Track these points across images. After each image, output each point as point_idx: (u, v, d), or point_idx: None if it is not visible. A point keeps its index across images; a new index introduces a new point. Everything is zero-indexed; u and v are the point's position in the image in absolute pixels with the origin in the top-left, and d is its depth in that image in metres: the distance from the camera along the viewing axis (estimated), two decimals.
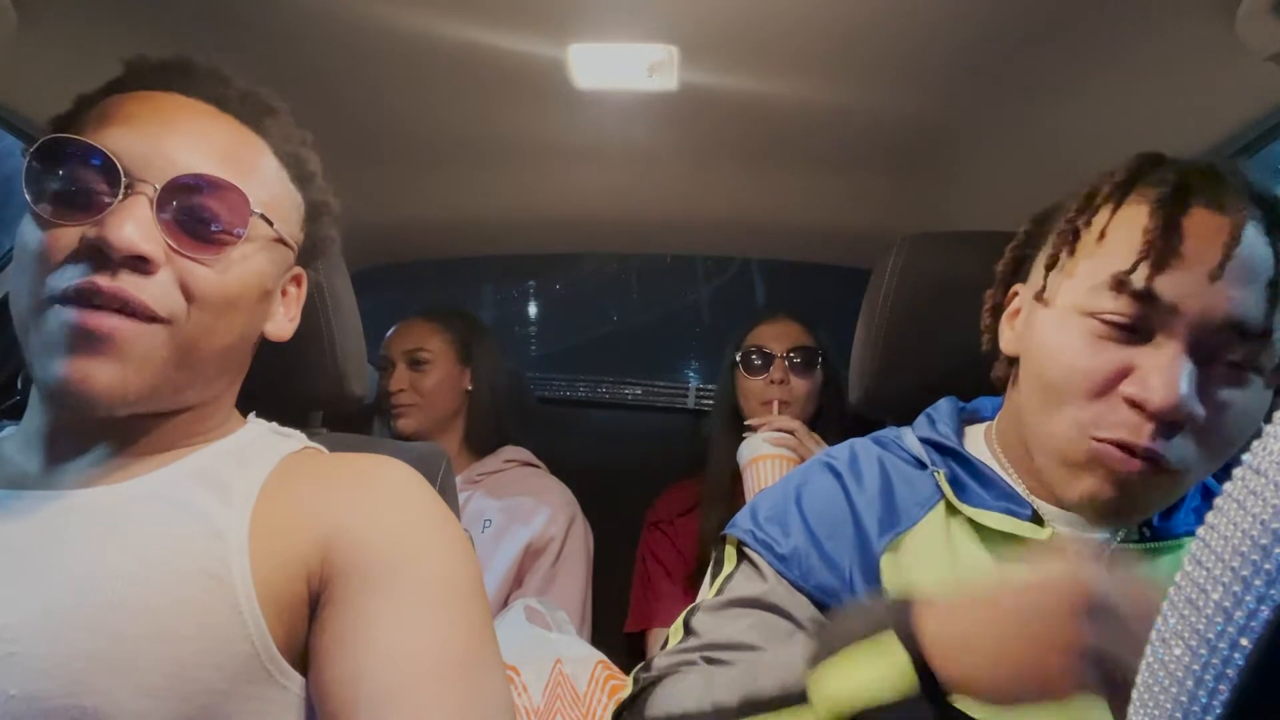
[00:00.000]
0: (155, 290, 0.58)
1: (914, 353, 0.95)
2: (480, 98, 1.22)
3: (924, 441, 0.80)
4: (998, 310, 0.78)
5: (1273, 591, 0.23)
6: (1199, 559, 0.25)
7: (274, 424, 0.75)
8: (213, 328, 0.61)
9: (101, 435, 0.63)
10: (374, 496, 0.64)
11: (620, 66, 1.12)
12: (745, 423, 1.50)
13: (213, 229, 0.60)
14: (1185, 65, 0.95)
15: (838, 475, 0.79)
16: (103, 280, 0.56)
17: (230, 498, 0.61)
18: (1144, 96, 1.03)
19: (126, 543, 0.57)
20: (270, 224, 0.65)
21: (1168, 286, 0.60)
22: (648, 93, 1.18)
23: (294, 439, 0.73)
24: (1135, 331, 0.62)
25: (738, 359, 1.59)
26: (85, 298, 0.56)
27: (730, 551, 0.79)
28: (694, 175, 1.49)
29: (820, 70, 1.11)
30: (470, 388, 1.64)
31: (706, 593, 0.77)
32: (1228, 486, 0.25)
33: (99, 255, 0.56)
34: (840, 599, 0.71)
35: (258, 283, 0.65)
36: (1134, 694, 0.28)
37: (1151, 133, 1.07)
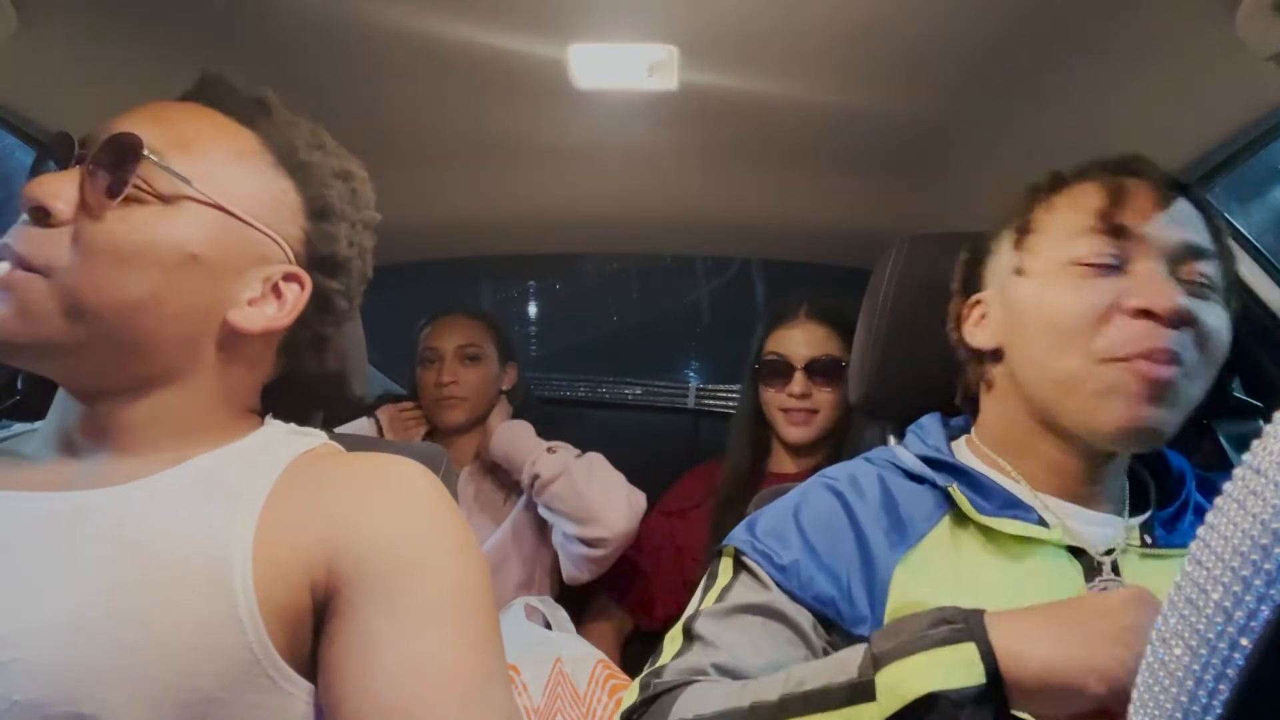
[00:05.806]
0: (38, 241, 0.60)
1: (914, 353, 0.94)
2: (480, 97, 1.22)
3: (921, 458, 0.82)
4: (960, 321, 0.85)
5: (1273, 591, 0.23)
6: (1199, 559, 0.25)
7: (293, 425, 0.73)
8: (100, 280, 0.59)
9: (106, 435, 0.63)
10: (381, 501, 0.62)
11: (620, 66, 1.12)
12: None
13: (113, 182, 0.60)
14: (1185, 65, 0.95)
15: (838, 493, 0.80)
16: (10, 236, 0.61)
17: (236, 503, 0.60)
18: (1144, 97, 1.03)
19: (128, 548, 0.56)
20: (188, 182, 0.62)
21: (1132, 220, 0.73)
22: (648, 93, 1.18)
23: (312, 438, 0.71)
24: (1114, 267, 0.72)
25: (757, 367, 1.53)
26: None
27: (727, 564, 0.79)
28: (694, 175, 1.49)
29: (820, 71, 1.11)
30: (506, 388, 1.70)
31: (701, 603, 0.77)
32: (1227, 486, 0.25)
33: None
34: (838, 609, 0.72)
35: (172, 242, 0.62)
36: (1134, 694, 0.28)
37: (1152, 133, 1.07)
